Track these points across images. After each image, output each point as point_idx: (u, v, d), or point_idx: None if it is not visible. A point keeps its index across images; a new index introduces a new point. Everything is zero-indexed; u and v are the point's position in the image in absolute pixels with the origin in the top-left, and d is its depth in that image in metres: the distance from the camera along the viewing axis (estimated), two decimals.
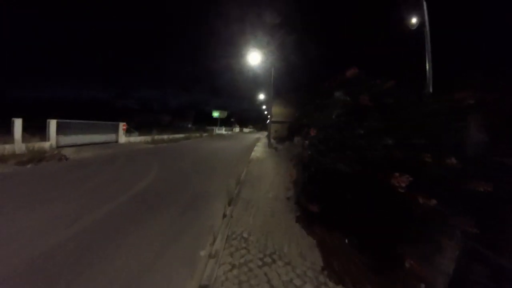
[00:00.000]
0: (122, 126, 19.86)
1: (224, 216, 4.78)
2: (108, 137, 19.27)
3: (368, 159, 3.47)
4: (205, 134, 37.27)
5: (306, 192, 4.87)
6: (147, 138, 21.92)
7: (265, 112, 60.76)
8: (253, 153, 15.93)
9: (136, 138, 21.35)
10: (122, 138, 20.00)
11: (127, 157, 12.13)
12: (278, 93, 27.25)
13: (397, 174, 3.00)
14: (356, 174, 3.53)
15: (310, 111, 5.90)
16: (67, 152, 13.03)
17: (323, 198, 4.12)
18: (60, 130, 15.54)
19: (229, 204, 5.45)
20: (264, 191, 6.70)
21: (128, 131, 21.04)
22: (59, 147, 14.94)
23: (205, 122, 58.27)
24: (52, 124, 14.81)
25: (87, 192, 6.18)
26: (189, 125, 57.35)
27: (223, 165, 11.14)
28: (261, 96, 41.01)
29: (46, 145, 13.63)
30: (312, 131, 4.70)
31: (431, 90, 4.29)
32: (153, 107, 67.56)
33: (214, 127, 49.53)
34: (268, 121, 50.55)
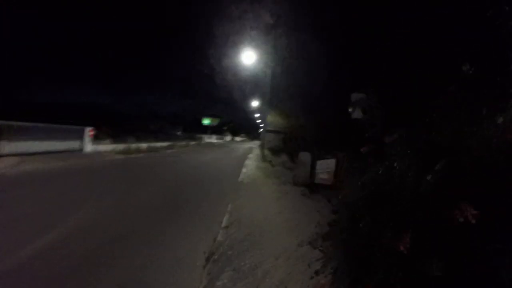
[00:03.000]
0: (88, 131, 16.23)
1: None
2: (71, 144, 15.55)
3: None
4: (193, 143, 33.67)
5: None
6: (122, 146, 18.34)
7: (258, 121, 57.78)
8: (243, 170, 12.52)
9: (107, 147, 17.62)
10: (88, 147, 16.28)
11: (72, 176, 8.50)
12: (273, 100, 24.08)
13: None
14: None
15: None
16: (7, 163, 9.61)
17: None
18: (4, 135, 12.07)
19: None
20: None
21: (97, 138, 17.46)
22: (1, 156, 11.45)
23: (196, 129, 54.99)
24: None
25: None
26: (179, 132, 53.93)
27: (198, 196, 7.26)
28: (255, 103, 37.83)
29: None
30: None
31: None
32: (143, 113, 63.84)
33: (203, 135, 45.96)
34: (261, 130, 47.62)
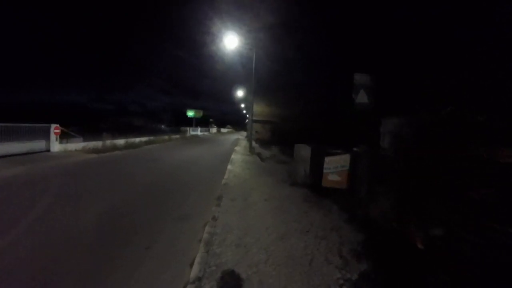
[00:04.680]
0: (54, 129, 14.12)
1: None
2: (35, 145, 13.48)
3: None
4: (176, 136, 31.52)
5: None
6: (95, 144, 16.29)
7: (244, 111, 56.15)
8: (229, 167, 10.79)
9: (78, 145, 15.51)
10: (56, 146, 14.19)
11: (11, 189, 6.79)
12: (260, 89, 22.33)
13: None
14: None
15: None
16: None
17: None
18: None
19: None
20: None
21: (65, 136, 15.32)
22: None
23: (181, 122, 52.79)
24: None
25: None
26: (163, 126, 51.68)
27: (165, 213, 5.31)
28: (240, 93, 35.95)
29: None
30: None
31: None
32: (128, 110, 60.92)
33: (188, 128, 43.67)
34: (247, 120, 45.85)
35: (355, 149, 5.77)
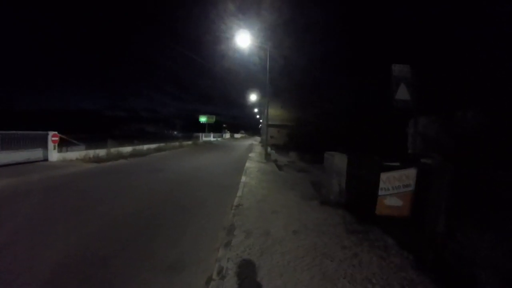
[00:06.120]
0: (51, 137, 12.88)
1: None
2: (30, 154, 12.27)
3: None
4: (188, 142, 30.15)
5: None
6: (98, 152, 14.91)
7: (257, 116, 54.86)
8: (243, 179, 9.15)
9: (79, 153, 14.13)
10: (54, 155, 12.92)
11: None
12: (275, 90, 20.74)
13: None
14: None
15: None
16: None
17: None
18: None
19: None
20: None
21: (65, 144, 14.08)
22: None
23: (194, 128, 51.81)
24: None
25: None
26: (175, 132, 50.70)
27: (149, 260, 3.75)
28: (253, 97, 34.44)
29: None
30: None
31: None
32: (141, 116, 60.11)
33: (201, 134, 42.21)
34: (261, 125, 44.25)
35: (423, 160, 4.06)
